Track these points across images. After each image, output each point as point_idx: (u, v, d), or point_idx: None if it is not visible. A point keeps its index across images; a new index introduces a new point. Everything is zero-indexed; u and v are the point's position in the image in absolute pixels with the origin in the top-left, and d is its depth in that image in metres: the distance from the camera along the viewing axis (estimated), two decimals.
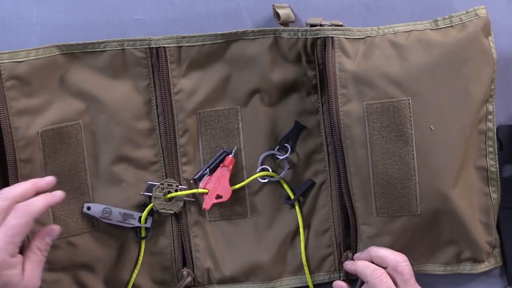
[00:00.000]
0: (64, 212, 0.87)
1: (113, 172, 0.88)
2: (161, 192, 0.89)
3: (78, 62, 0.87)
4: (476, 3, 0.87)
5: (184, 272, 0.90)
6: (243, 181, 0.90)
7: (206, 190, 0.89)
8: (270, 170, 0.91)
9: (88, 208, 0.86)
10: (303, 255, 0.90)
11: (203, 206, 0.89)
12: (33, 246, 0.80)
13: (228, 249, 0.91)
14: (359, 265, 0.85)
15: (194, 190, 0.89)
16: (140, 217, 0.88)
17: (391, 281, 0.82)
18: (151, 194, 0.89)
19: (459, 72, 0.84)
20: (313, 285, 0.91)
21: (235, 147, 0.89)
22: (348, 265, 0.88)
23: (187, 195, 0.89)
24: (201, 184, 0.89)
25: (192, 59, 0.88)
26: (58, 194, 0.80)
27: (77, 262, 0.84)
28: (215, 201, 0.89)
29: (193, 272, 0.91)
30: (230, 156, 0.89)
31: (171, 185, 0.89)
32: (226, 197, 0.89)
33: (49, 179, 0.81)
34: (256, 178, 0.90)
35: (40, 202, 0.78)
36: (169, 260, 0.91)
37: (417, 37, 0.85)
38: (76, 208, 0.88)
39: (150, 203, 0.89)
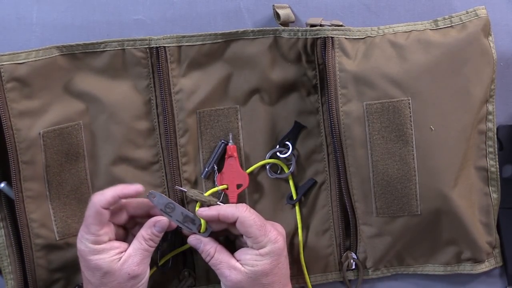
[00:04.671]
0: (65, 212, 0.87)
1: (113, 173, 0.88)
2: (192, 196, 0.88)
3: (78, 62, 0.87)
4: (476, 3, 0.87)
5: (185, 273, 0.91)
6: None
7: (226, 186, 0.89)
8: (279, 168, 0.91)
9: (153, 196, 0.83)
10: (301, 255, 0.90)
11: (230, 201, 0.89)
12: (139, 234, 0.83)
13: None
14: (219, 208, 0.83)
15: (215, 189, 0.89)
16: (200, 225, 0.85)
17: (255, 212, 0.83)
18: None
19: (459, 72, 0.84)
20: (313, 285, 0.91)
21: (230, 133, 0.89)
22: (205, 211, 0.84)
23: (210, 200, 0.87)
24: (216, 182, 0.89)
25: (192, 59, 0.88)
26: (133, 187, 0.82)
27: (76, 262, 0.84)
28: (238, 191, 0.89)
29: (194, 272, 0.91)
30: (230, 144, 0.89)
31: (201, 193, 0.88)
32: (245, 183, 0.89)
33: (136, 187, 0.82)
34: (265, 173, 0.91)
35: (109, 193, 0.80)
36: (170, 261, 0.90)
37: (417, 37, 0.85)
38: (76, 208, 0.88)
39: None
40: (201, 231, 0.85)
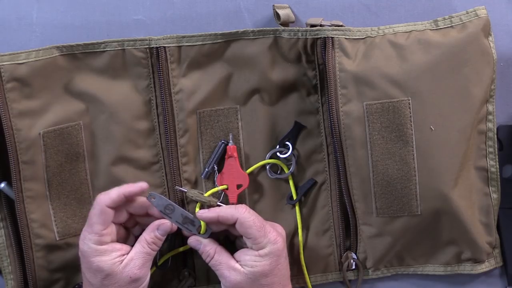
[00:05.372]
0: (65, 212, 0.87)
1: (113, 173, 0.88)
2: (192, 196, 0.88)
3: (78, 62, 0.87)
4: (476, 3, 0.87)
5: (185, 273, 0.91)
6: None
7: (226, 186, 0.89)
8: (279, 168, 0.91)
9: (153, 197, 0.83)
10: (301, 256, 0.91)
11: (230, 201, 0.89)
12: (141, 237, 0.83)
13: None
14: (219, 210, 0.83)
15: (215, 189, 0.89)
16: (200, 226, 0.85)
17: (255, 213, 0.83)
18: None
19: (459, 72, 0.84)
20: (313, 285, 0.91)
21: (230, 134, 0.89)
22: (205, 213, 0.84)
23: (209, 201, 0.87)
24: (216, 182, 0.89)
25: (192, 59, 0.88)
26: (138, 185, 0.82)
27: (77, 263, 0.84)
28: (238, 191, 0.89)
29: (194, 272, 0.91)
30: (230, 144, 0.89)
31: (201, 193, 0.88)
32: (245, 183, 0.89)
33: (140, 185, 0.82)
34: (265, 174, 0.91)
35: (114, 192, 0.81)
36: (169, 261, 0.90)
37: (417, 37, 0.85)
38: (76, 209, 0.88)
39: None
40: (201, 232, 0.85)
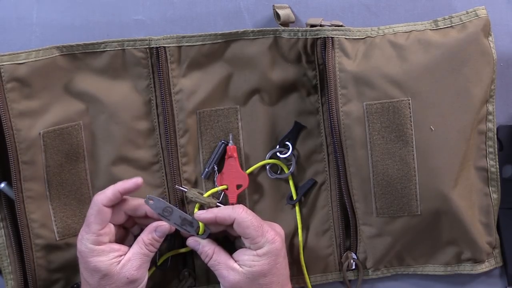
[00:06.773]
0: (65, 213, 0.87)
1: (113, 173, 0.88)
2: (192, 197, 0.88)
3: (78, 63, 0.86)
4: (476, 3, 0.87)
5: (185, 273, 0.91)
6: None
7: (225, 186, 0.89)
8: (279, 168, 0.91)
9: (151, 200, 0.83)
10: (301, 256, 0.91)
11: (230, 201, 0.89)
12: (139, 238, 0.83)
13: None
14: (217, 211, 0.83)
15: (214, 189, 0.88)
16: (198, 227, 0.85)
17: (252, 213, 0.83)
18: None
19: (459, 73, 0.84)
20: (313, 285, 0.91)
21: (230, 134, 0.89)
22: (202, 214, 0.84)
23: (209, 202, 0.87)
24: (215, 182, 0.89)
25: (192, 59, 0.88)
26: (132, 181, 0.82)
27: (77, 263, 0.84)
28: (238, 191, 0.89)
29: (194, 272, 0.91)
30: (230, 144, 0.89)
31: (201, 193, 0.88)
32: (245, 184, 0.89)
33: (135, 180, 0.82)
34: (265, 174, 0.91)
35: (109, 190, 0.81)
36: (168, 261, 0.90)
37: (417, 38, 0.85)
38: (76, 209, 0.88)
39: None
40: (199, 233, 0.85)
